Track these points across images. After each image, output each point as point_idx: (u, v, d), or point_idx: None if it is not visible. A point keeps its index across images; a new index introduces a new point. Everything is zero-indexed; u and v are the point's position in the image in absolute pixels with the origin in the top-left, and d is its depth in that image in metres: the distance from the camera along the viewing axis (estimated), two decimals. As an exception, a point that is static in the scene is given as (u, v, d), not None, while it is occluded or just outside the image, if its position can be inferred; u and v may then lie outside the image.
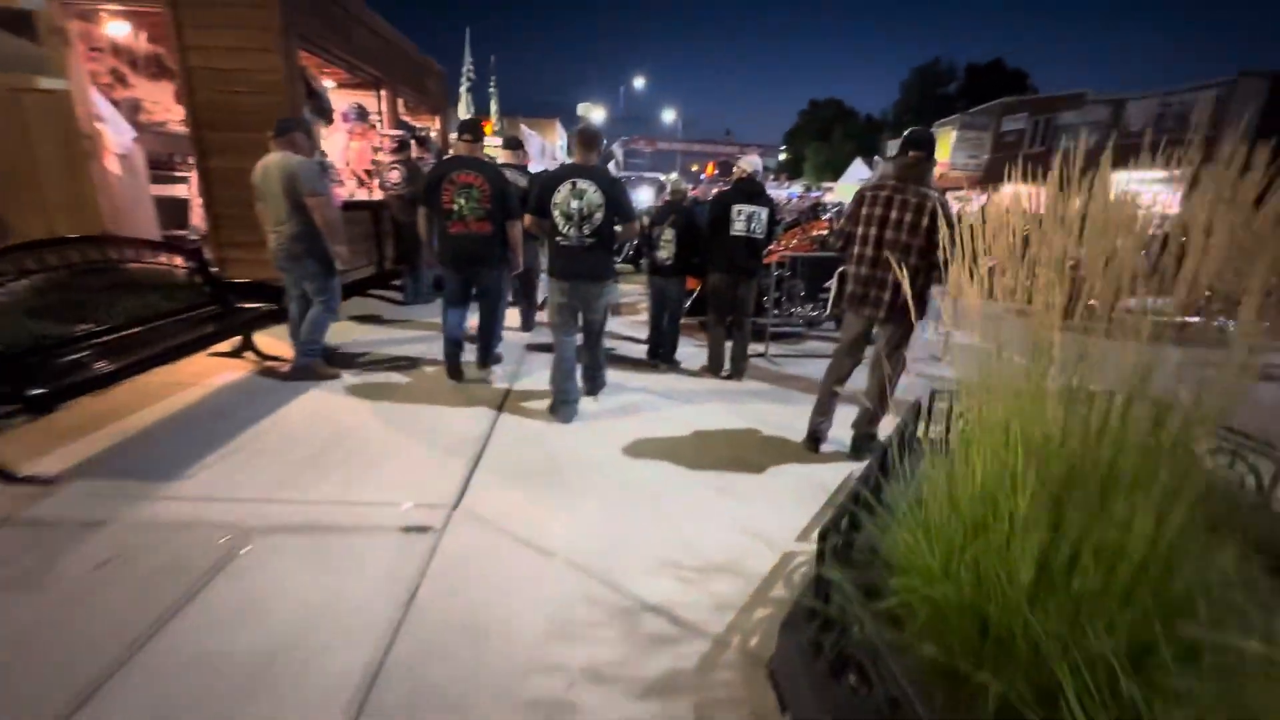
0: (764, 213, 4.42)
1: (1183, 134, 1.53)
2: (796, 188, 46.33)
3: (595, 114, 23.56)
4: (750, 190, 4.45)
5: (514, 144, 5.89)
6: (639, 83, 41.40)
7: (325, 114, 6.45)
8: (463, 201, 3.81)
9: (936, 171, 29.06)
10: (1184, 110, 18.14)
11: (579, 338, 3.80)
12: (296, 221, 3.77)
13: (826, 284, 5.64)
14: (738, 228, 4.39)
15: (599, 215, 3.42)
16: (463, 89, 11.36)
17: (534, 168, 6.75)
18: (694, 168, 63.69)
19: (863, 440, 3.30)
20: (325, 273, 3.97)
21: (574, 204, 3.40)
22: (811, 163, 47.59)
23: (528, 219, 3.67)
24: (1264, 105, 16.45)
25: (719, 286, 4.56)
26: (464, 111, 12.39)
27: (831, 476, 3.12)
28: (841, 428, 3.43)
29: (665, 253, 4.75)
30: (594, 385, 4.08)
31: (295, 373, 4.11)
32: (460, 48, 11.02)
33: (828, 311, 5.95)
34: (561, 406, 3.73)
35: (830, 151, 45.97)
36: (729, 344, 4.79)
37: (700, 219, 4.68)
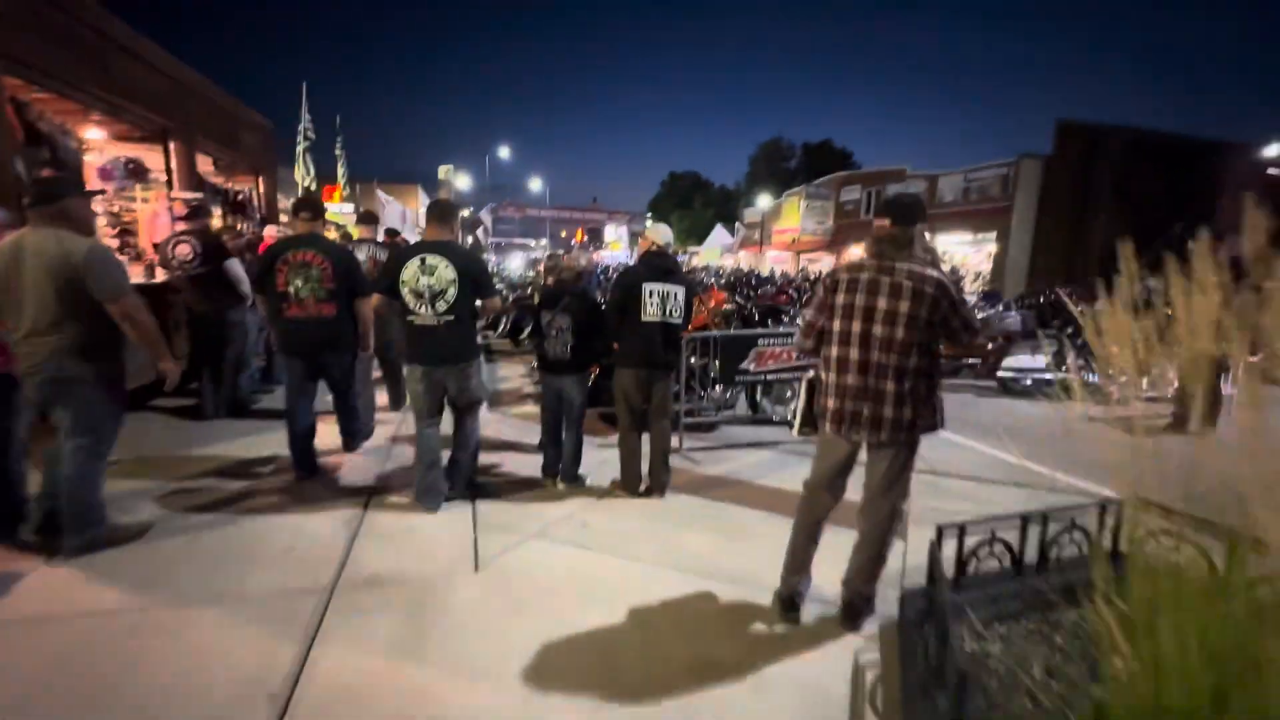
0: (681, 292, 3.61)
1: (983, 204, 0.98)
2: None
3: (460, 180, 22.48)
4: (663, 266, 3.63)
5: (369, 219, 5.54)
6: (505, 151, 41.11)
7: (65, 169, 4.75)
8: (299, 283, 3.51)
9: (789, 237, 31.88)
10: (983, 184, 21.13)
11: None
12: (74, 332, 2.61)
13: (742, 364, 4.94)
14: (651, 312, 3.52)
15: (453, 291, 3.19)
16: (299, 148, 9.80)
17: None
18: (562, 234, 64.43)
19: (861, 603, 2.42)
20: (106, 402, 2.78)
21: (423, 280, 3.17)
22: (677, 228, 50.00)
23: (376, 298, 3.45)
24: (1040, 181, 19.57)
25: (629, 386, 3.61)
26: (301, 175, 10.70)
27: (833, 674, 2.18)
28: (821, 571, 2.55)
29: (559, 347, 3.73)
30: (456, 479, 3.61)
31: (78, 551, 2.76)
32: (297, 103, 9.64)
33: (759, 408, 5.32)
34: (426, 495, 3.45)
35: (693, 218, 48.66)
36: (645, 450, 3.82)
37: (592, 295, 3.83)
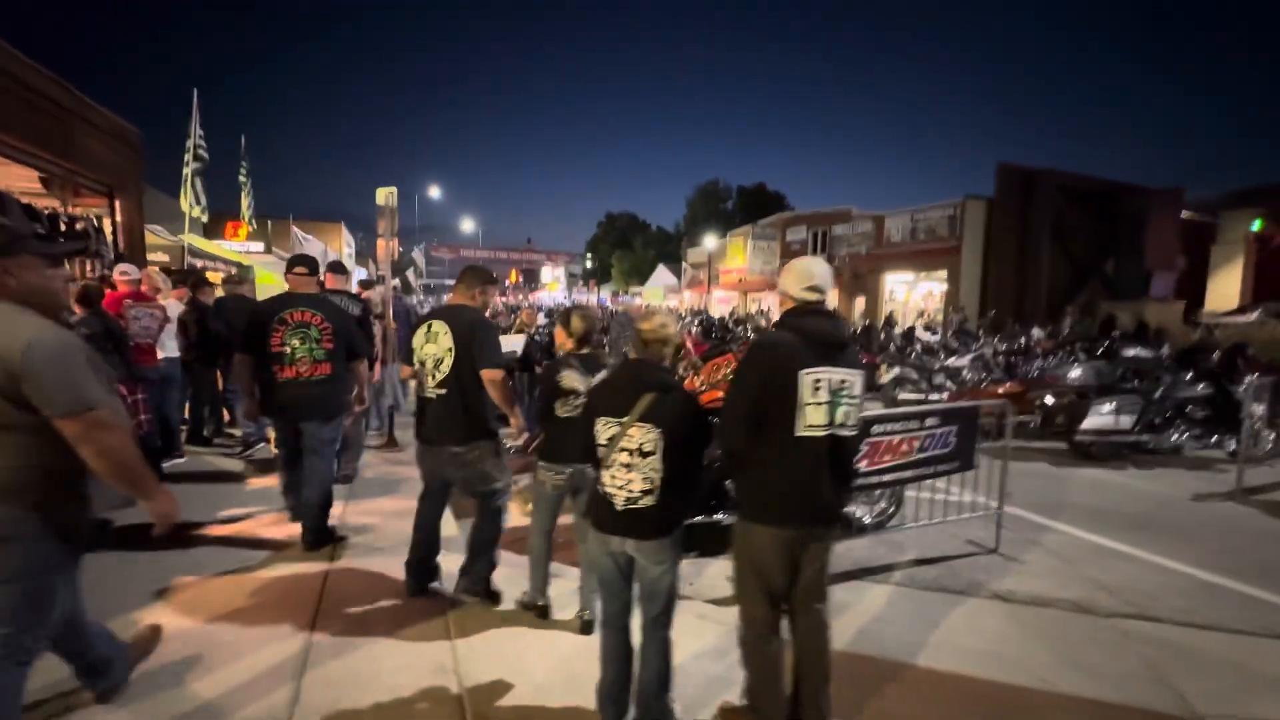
0: (859, 382, 2.08)
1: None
2: (605, 293, 47.37)
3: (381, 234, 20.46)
4: (832, 337, 2.06)
5: (339, 268, 5.15)
6: (435, 190, 39.11)
7: None
8: (297, 343, 3.43)
9: (735, 276, 31.61)
10: (929, 224, 21.36)
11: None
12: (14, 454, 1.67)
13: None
14: (815, 420, 1.98)
15: (448, 361, 2.93)
16: (187, 170, 7.74)
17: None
18: (494, 275, 62.22)
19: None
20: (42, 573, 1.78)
21: (427, 348, 2.99)
22: (618, 269, 49.18)
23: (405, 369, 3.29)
24: (985, 221, 19.92)
25: (769, 554, 2.08)
26: (189, 204, 8.57)
27: None
28: None
29: (624, 483, 2.14)
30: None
31: None
32: (185, 114, 7.59)
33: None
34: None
35: (634, 259, 48.05)
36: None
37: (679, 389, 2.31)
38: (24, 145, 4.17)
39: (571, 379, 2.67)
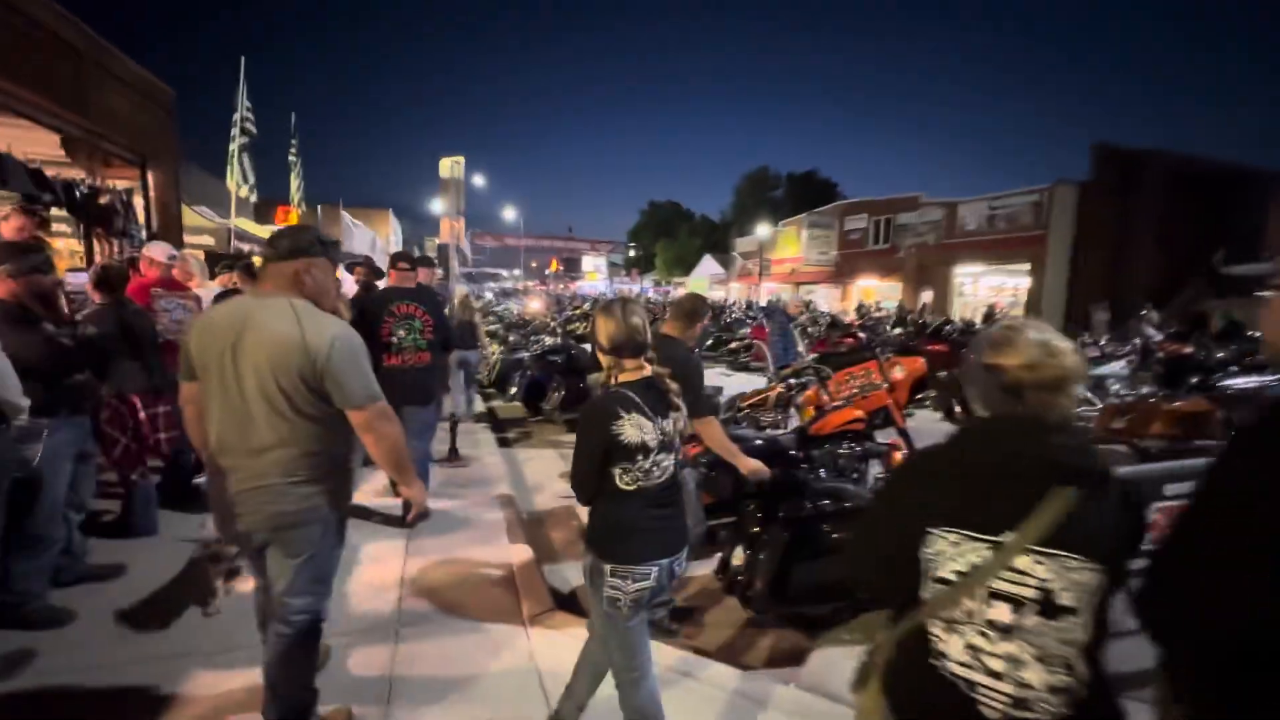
0: None
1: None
2: (647, 283, 46.37)
3: (436, 205, 19.88)
4: None
5: (426, 261, 4.99)
6: (479, 178, 38.75)
7: None
8: (403, 333, 3.66)
9: (788, 267, 30.11)
10: (1010, 212, 19.62)
11: None
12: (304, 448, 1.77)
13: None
14: None
15: None
16: (233, 145, 7.20)
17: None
18: (534, 264, 61.73)
19: None
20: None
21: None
22: (661, 258, 48.10)
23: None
24: (1076, 208, 18.12)
25: None
26: (236, 183, 8.01)
27: None
28: None
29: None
30: None
31: None
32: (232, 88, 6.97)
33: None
34: None
35: (678, 248, 46.90)
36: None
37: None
38: (23, 92, 3.46)
39: (635, 428, 1.66)
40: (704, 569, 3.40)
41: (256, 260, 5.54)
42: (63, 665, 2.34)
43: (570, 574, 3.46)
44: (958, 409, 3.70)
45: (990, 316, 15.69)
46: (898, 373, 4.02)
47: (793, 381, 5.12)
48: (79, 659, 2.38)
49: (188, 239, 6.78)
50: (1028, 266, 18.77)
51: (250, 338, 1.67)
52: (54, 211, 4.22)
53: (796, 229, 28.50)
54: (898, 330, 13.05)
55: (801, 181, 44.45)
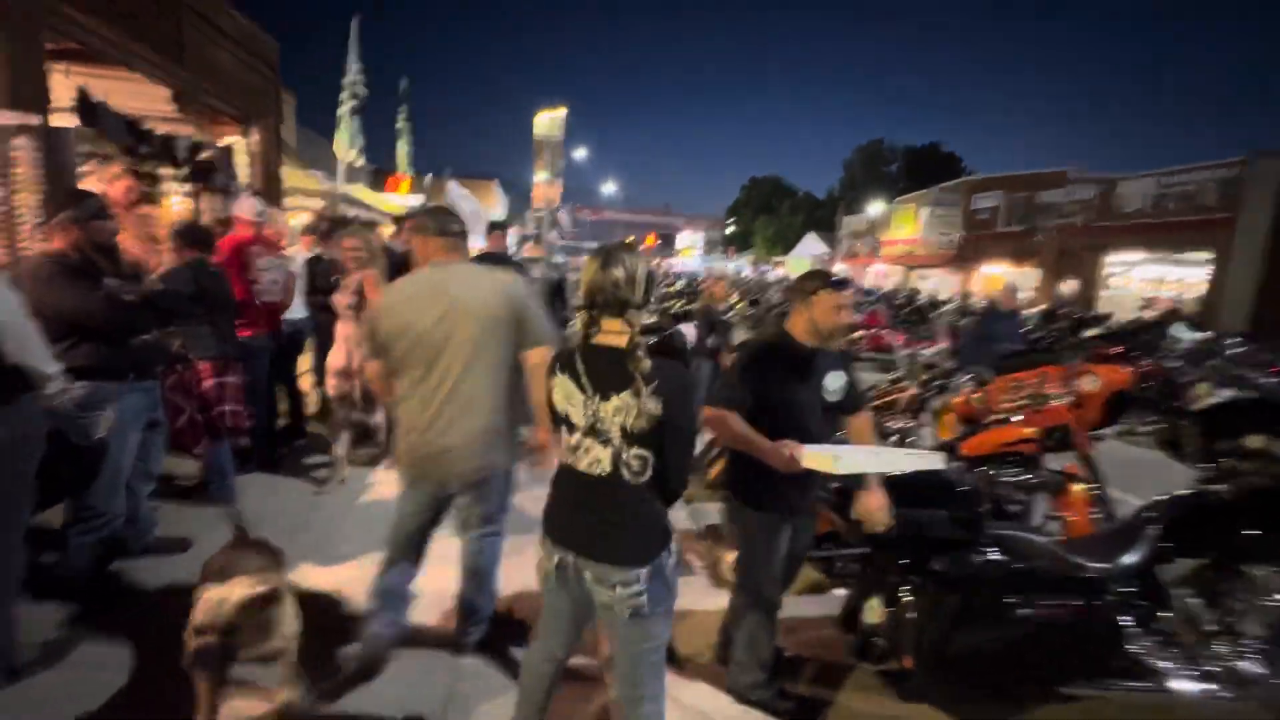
0: None
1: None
2: (743, 261, 44.74)
3: (540, 174, 19.87)
4: None
5: (499, 226, 4.54)
6: (580, 151, 38.76)
7: None
8: None
9: (901, 249, 27.56)
10: (1188, 190, 16.57)
11: None
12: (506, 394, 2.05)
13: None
14: None
15: None
16: (344, 108, 7.21)
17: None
18: (629, 239, 61.50)
19: None
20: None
21: None
22: (761, 236, 46.24)
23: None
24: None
25: None
26: (345, 147, 8.10)
27: None
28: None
29: None
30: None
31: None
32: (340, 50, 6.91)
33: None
34: None
35: (779, 225, 44.83)
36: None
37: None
38: (126, 42, 3.34)
39: (562, 394, 1.54)
40: (816, 607, 2.76)
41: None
42: (101, 650, 2.15)
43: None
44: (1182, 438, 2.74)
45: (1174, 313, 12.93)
46: (1088, 384, 3.09)
47: (932, 381, 4.26)
48: (118, 639, 2.18)
49: (297, 202, 6.90)
50: (1207, 256, 15.78)
51: (465, 300, 1.90)
52: (163, 171, 4.23)
53: (914, 207, 26.03)
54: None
55: (922, 156, 40.65)
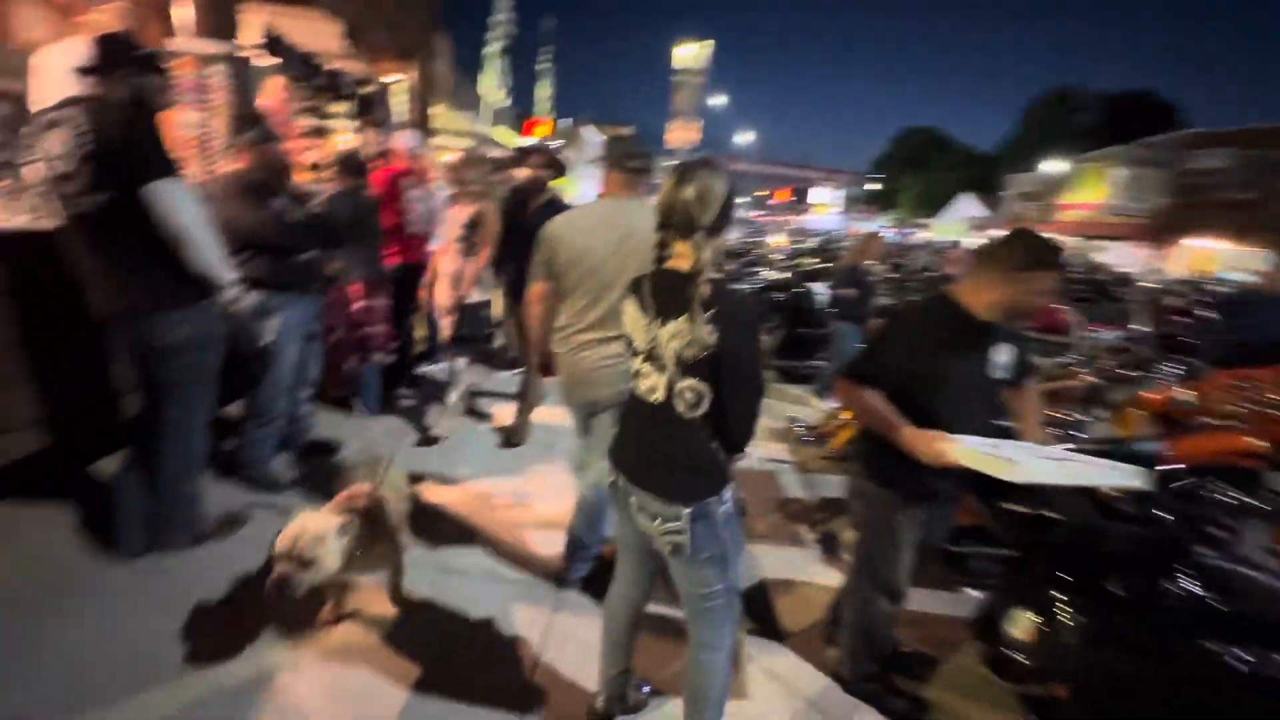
0: None
1: None
2: (884, 222, 41.14)
3: (678, 112, 19.31)
4: None
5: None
6: (714, 100, 37.07)
7: None
8: None
9: (1082, 214, 23.59)
10: None
11: None
12: None
13: None
14: None
15: None
16: (492, 48, 7.35)
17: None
18: (761, 191, 58.55)
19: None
20: None
21: None
22: (907, 194, 42.17)
23: None
24: None
25: None
26: (491, 87, 8.34)
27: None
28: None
29: None
30: None
31: None
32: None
33: None
34: None
35: (928, 183, 40.52)
36: None
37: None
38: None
39: (630, 317, 1.50)
40: (943, 604, 2.48)
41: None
42: (268, 524, 2.44)
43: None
44: None
45: None
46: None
47: (1117, 369, 3.59)
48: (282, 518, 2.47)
49: (445, 140, 7.28)
50: None
51: (639, 234, 1.88)
52: (333, 108, 4.57)
53: (1104, 167, 22.17)
54: None
55: (1126, 105, 34.13)
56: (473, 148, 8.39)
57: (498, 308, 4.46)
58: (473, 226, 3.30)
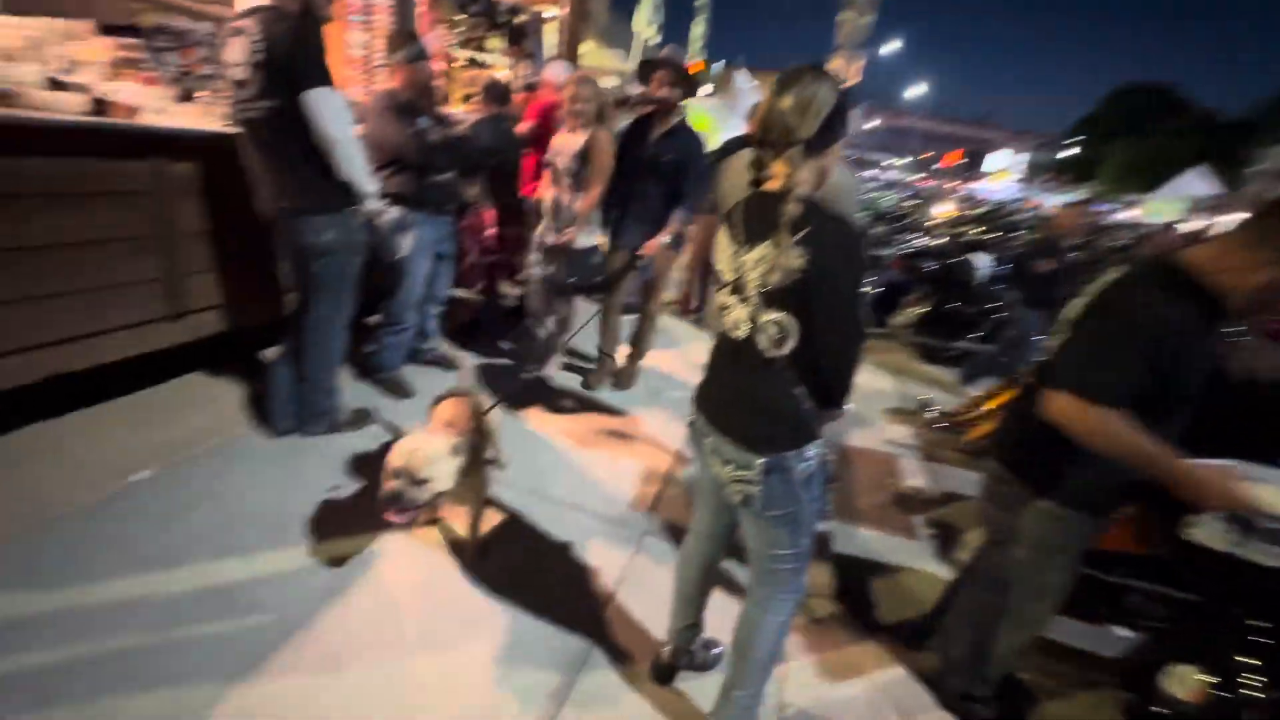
0: None
1: None
2: (1077, 195, 34.94)
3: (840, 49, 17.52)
4: None
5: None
6: (888, 47, 33.23)
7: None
8: None
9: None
10: None
11: None
12: None
13: None
14: None
15: None
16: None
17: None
18: (926, 155, 51.75)
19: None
20: None
21: None
22: (1115, 162, 35.62)
23: None
24: None
25: None
26: (643, 21, 8.11)
27: None
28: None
29: None
30: None
31: None
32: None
33: None
34: None
35: (1144, 150, 33.82)
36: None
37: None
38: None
39: (722, 246, 1.33)
40: (1076, 636, 2.10)
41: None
42: (394, 422, 2.66)
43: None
44: None
45: None
46: None
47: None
48: (410, 417, 2.68)
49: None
50: None
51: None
52: (489, 40, 4.68)
53: None
54: None
55: None
56: (617, 87, 8.28)
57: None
58: (583, 157, 2.85)
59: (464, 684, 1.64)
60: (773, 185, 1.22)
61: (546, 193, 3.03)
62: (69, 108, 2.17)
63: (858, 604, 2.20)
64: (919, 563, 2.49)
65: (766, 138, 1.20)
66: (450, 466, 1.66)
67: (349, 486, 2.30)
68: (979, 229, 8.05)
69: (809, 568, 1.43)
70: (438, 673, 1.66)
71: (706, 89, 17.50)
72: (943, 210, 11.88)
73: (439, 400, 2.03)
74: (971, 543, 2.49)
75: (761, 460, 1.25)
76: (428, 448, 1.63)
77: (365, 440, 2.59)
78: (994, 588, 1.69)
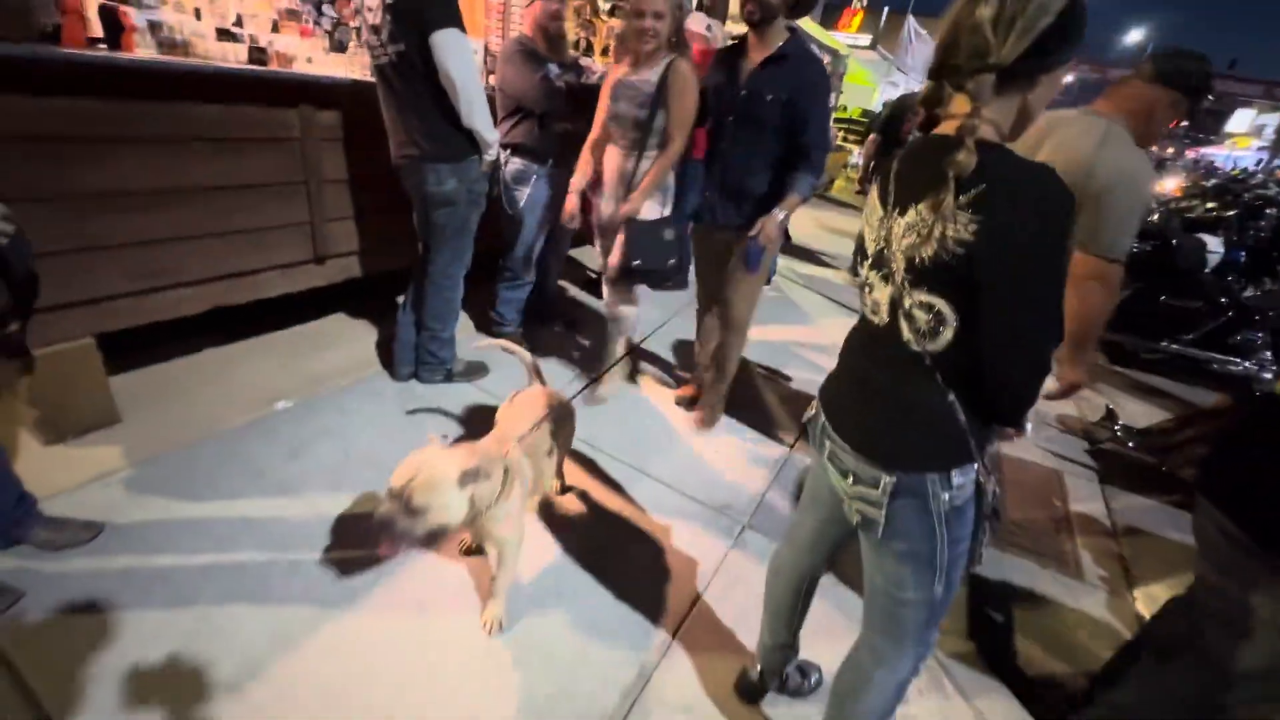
0: None
1: None
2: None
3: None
4: None
5: None
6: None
7: None
8: None
9: None
10: None
11: None
12: None
13: None
14: None
15: None
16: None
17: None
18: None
19: None
20: None
21: None
22: None
23: None
24: None
25: None
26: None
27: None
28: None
29: None
30: None
31: None
32: None
33: None
34: None
35: None
36: None
37: None
38: None
39: (867, 210, 1.05)
40: None
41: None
42: (508, 377, 2.68)
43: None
44: None
45: None
46: None
47: None
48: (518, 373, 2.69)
49: (734, 27, 6.75)
50: None
51: (1047, 146, 1.67)
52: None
53: None
54: None
55: None
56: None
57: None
58: (656, 99, 2.15)
59: (538, 657, 1.58)
60: (946, 128, 0.90)
61: (606, 152, 2.36)
62: (234, 57, 2.33)
63: (995, 647, 1.84)
64: (1083, 605, 2.04)
65: (947, 62, 0.88)
66: (456, 499, 1.32)
67: (456, 434, 2.34)
68: (1208, 204, 6.49)
69: (943, 621, 1.14)
70: (513, 637, 1.61)
71: (866, 39, 15.92)
72: (1170, 184, 9.80)
73: (514, 397, 1.82)
74: (1158, 597, 2.00)
75: (890, 479, 0.98)
76: (431, 471, 1.31)
77: (476, 392, 2.63)
78: (1203, 679, 1.27)
